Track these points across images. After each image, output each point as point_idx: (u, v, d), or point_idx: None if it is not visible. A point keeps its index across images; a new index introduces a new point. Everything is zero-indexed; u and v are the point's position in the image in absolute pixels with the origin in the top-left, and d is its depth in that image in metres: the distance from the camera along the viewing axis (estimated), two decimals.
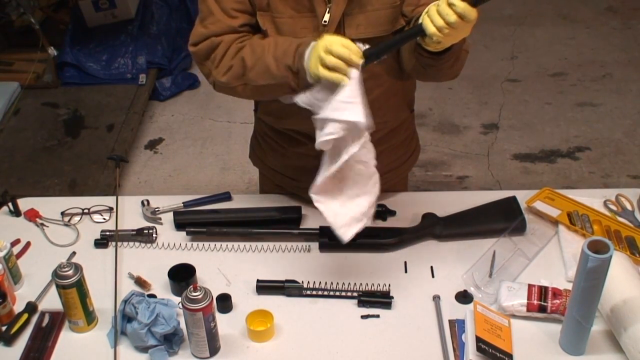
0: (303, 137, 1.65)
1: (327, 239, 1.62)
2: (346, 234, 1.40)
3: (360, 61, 1.30)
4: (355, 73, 1.30)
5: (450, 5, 1.23)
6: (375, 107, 1.34)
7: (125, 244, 1.67)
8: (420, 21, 1.29)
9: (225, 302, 1.48)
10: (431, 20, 1.26)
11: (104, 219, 1.75)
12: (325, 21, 1.46)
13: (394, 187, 1.82)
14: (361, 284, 1.52)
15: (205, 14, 1.50)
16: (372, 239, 1.62)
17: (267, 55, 1.42)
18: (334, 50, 1.28)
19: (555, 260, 1.59)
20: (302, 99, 1.36)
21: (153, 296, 1.48)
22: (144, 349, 1.38)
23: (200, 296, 1.31)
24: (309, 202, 1.76)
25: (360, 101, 1.29)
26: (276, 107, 1.60)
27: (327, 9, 1.45)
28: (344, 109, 1.29)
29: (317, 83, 1.35)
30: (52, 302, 1.50)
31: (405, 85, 1.67)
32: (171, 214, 1.73)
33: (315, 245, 1.64)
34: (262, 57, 1.43)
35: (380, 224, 1.70)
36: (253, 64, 1.44)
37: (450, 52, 1.37)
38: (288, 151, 1.71)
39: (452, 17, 1.23)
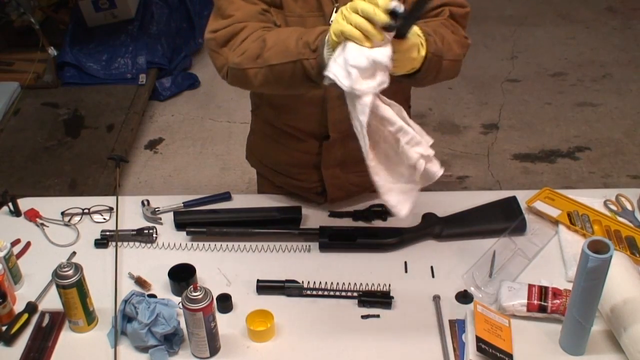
0: (303, 135, 1.65)
1: (327, 239, 1.62)
2: (401, 211, 1.30)
3: (386, 20, 1.17)
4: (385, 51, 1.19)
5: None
6: None
7: (125, 244, 1.67)
8: None
9: (225, 302, 1.48)
10: None
11: (104, 219, 1.75)
12: (332, 20, 1.46)
13: None
14: (361, 284, 1.52)
15: (225, 5, 1.46)
16: (372, 239, 1.62)
17: (290, 36, 1.35)
18: (360, 6, 1.18)
19: (556, 260, 1.59)
20: (329, 70, 1.23)
21: (153, 296, 1.48)
22: (144, 349, 1.38)
23: (200, 296, 1.31)
24: (309, 202, 1.77)
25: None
26: (278, 101, 1.59)
27: (335, 8, 1.46)
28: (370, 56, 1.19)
29: (337, 52, 1.23)
30: (52, 302, 1.50)
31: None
32: (171, 214, 1.73)
33: (315, 245, 1.64)
34: (285, 39, 1.35)
35: (380, 224, 1.70)
36: (273, 43, 1.36)
37: (422, 73, 1.34)
38: (289, 148, 1.71)
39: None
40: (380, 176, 1.28)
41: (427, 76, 1.37)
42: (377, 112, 1.24)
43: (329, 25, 1.42)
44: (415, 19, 1.24)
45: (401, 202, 1.29)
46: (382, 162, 1.28)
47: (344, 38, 1.20)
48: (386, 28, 1.19)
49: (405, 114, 1.28)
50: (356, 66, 1.18)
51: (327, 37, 1.26)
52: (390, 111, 1.25)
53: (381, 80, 1.20)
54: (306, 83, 1.34)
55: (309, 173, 1.72)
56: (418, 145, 1.28)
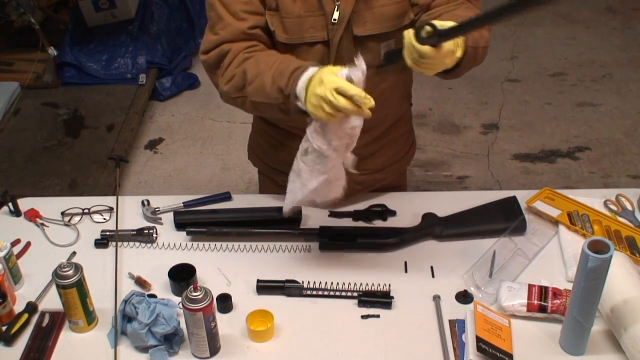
0: (304, 133, 1.65)
1: (327, 239, 1.62)
2: (285, 207, 1.46)
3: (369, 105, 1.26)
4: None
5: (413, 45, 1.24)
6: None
7: (125, 244, 1.67)
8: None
9: (225, 302, 1.48)
10: (407, 54, 1.27)
11: (104, 219, 1.75)
12: (334, 19, 1.46)
13: (394, 182, 1.82)
14: (361, 284, 1.52)
15: (215, 20, 1.49)
16: (372, 239, 1.62)
17: (266, 73, 1.39)
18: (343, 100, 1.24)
19: (556, 260, 1.59)
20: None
21: (153, 296, 1.48)
22: (144, 349, 1.38)
23: (200, 296, 1.31)
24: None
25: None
26: None
27: (336, 7, 1.46)
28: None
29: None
30: (52, 302, 1.50)
31: (405, 78, 1.69)
32: (171, 214, 1.73)
33: (315, 245, 1.64)
34: (262, 74, 1.40)
35: (380, 224, 1.70)
36: (252, 78, 1.42)
37: (461, 68, 1.36)
38: (292, 148, 1.71)
39: (416, 55, 1.24)
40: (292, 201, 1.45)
41: (465, 69, 1.39)
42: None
43: (331, 23, 1.43)
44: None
45: (288, 202, 1.44)
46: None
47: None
48: (381, 65, 1.35)
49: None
50: (336, 147, 1.32)
51: (299, 86, 1.32)
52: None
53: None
54: (287, 116, 1.42)
55: None
56: (338, 180, 1.41)
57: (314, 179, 1.37)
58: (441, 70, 1.30)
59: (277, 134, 1.72)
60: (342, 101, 1.23)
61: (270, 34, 1.51)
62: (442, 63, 1.27)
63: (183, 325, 1.38)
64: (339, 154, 1.33)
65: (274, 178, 1.84)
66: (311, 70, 1.32)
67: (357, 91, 1.23)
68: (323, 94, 1.24)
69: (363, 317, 1.46)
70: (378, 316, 1.46)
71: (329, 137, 1.31)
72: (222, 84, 1.48)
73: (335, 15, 1.46)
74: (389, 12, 1.48)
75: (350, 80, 1.25)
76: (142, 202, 1.77)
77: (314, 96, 1.27)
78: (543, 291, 1.43)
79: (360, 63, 1.26)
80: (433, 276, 1.56)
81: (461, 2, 1.48)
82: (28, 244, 1.68)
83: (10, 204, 1.77)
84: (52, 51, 3.72)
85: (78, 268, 1.40)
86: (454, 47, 1.27)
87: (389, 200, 1.75)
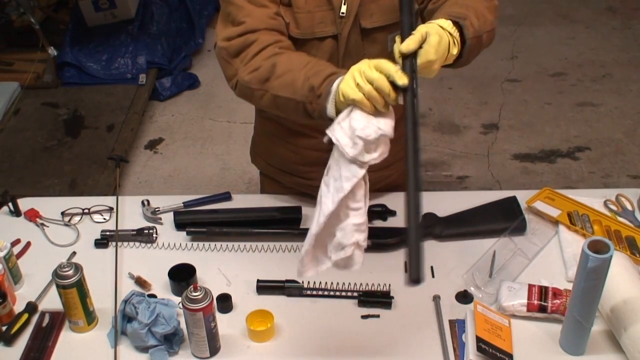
0: (312, 131, 1.65)
1: None
2: (303, 274, 1.28)
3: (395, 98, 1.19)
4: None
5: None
6: None
7: (125, 244, 1.67)
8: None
9: (225, 302, 1.48)
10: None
11: (104, 219, 1.75)
12: (342, 13, 1.47)
13: (398, 180, 1.82)
14: (361, 284, 1.52)
15: (235, 13, 1.45)
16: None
17: (299, 70, 1.36)
18: (374, 76, 1.19)
19: (556, 260, 1.59)
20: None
21: (153, 296, 1.48)
22: (144, 349, 1.38)
23: (200, 296, 1.31)
24: (310, 202, 1.77)
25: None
26: None
27: (343, 1, 1.47)
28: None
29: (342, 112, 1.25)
30: (52, 302, 1.50)
31: None
32: (171, 214, 1.73)
33: None
34: (294, 70, 1.37)
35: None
36: (282, 72, 1.38)
37: (463, 59, 1.35)
38: (297, 147, 1.71)
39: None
40: (310, 238, 1.24)
41: (469, 59, 1.38)
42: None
43: (339, 17, 1.43)
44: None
45: (308, 267, 1.27)
46: (322, 228, 1.23)
47: (351, 100, 1.21)
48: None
49: (367, 198, 1.25)
50: (363, 138, 1.18)
51: (333, 88, 1.27)
52: (364, 189, 1.23)
53: (382, 151, 1.21)
54: (306, 119, 1.37)
55: (318, 171, 1.71)
56: (362, 233, 1.25)
57: (331, 202, 1.22)
58: (442, 64, 1.29)
59: (283, 134, 1.72)
60: (376, 73, 1.19)
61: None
62: (431, 70, 1.25)
63: (183, 325, 1.38)
64: (361, 158, 1.20)
65: (277, 179, 1.83)
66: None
67: (392, 68, 1.19)
68: (359, 67, 1.22)
69: (363, 317, 1.46)
70: (378, 316, 1.46)
71: (353, 128, 1.20)
72: (244, 73, 1.42)
73: (343, 8, 1.47)
74: (395, 3, 1.48)
75: None
76: (142, 202, 1.77)
77: (349, 76, 1.24)
78: (543, 291, 1.43)
79: None
80: (433, 276, 1.56)
81: None
82: (28, 244, 1.68)
83: (10, 204, 1.77)
84: (52, 51, 3.72)
85: (78, 268, 1.40)
86: (435, 57, 1.24)
87: (389, 200, 1.75)
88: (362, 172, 1.20)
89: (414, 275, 1.11)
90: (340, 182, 1.21)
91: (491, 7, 1.46)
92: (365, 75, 1.20)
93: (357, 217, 1.23)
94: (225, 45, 1.45)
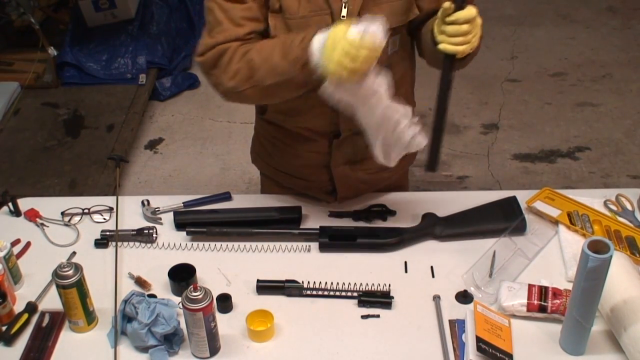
0: (314, 134, 1.65)
1: (327, 239, 1.62)
2: (388, 162, 1.49)
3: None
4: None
5: (452, 22, 1.31)
6: None
7: (125, 244, 1.67)
8: (438, 47, 1.37)
9: (225, 302, 1.48)
10: (451, 44, 1.33)
11: (104, 219, 1.75)
12: (343, 16, 1.46)
13: (398, 181, 1.82)
14: (361, 284, 1.52)
15: (213, 25, 1.48)
16: (372, 239, 1.62)
17: (274, 54, 1.40)
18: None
19: (555, 260, 1.59)
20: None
21: (153, 296, 1.48)
22: (144, 349, 1.38)
23: (200, 296, 1.31)
24: (311, 202, 1.77)
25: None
26: (286, 106, 1.59)
27: (343, 5, 1.46)
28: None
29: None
30: (52, 302, 1.50)
31: (412, 74, 1.70)
32: (171, 214, 1.73)
33: (315, 245, 1.64)
34: (269, 56, 1.40)
35: (380, 224, 1.70)
36: (260, 63, 1.41)
37: (471, 54, 1.43)
38: (298, 150, 1.71)
39: (464, 27, 1.30)
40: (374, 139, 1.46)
41: (472, 57, 1.46)
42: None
43: (340, 21, 1.45)
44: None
45: (387, 155, 1.47)
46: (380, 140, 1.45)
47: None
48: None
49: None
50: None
51: (313, 48, 1.33)
52: (389, 96, 1.44)
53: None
54: (305, 90, 1.41)
55: (319, 173, 1.72)
56: (411, 126, 1.50)
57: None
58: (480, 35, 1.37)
59: (284, 137, 1.71)
60: (363, 51, 1.27)
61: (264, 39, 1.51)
62: (479, 27, 1.35)
63: (183, 325, 1.38)
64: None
65: (278, 180, 1.83)
66: (321, 36, 1.33)
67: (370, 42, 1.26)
68: (343, 48, 1.28)
69: (363, 317, 1.46)
70: (378, 316, 1.46)
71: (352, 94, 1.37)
72: (226, 81, 1.46)
73: (344, 12, 1.46)
74: (397, 7, 1.49)
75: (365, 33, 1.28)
76: (142, 202, 1.77)
77: (335, 52, 1.29)
78: (543, 291, 1.43)
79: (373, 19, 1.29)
80: (433, 276, 1.56)
81: None
82: (28, 244, 1.68)
83: (10, 204, 1.77)
84: (52, 51, 3.73)
85: (78, 268, 1.40)
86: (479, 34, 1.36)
87: (389, 200, 1.75)
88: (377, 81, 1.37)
89: (431, 165, 1.45)
90: (372, 109, 1.40)
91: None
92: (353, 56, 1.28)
93: (403, 120, 1.47)
94: (201, 60, 1.50)
